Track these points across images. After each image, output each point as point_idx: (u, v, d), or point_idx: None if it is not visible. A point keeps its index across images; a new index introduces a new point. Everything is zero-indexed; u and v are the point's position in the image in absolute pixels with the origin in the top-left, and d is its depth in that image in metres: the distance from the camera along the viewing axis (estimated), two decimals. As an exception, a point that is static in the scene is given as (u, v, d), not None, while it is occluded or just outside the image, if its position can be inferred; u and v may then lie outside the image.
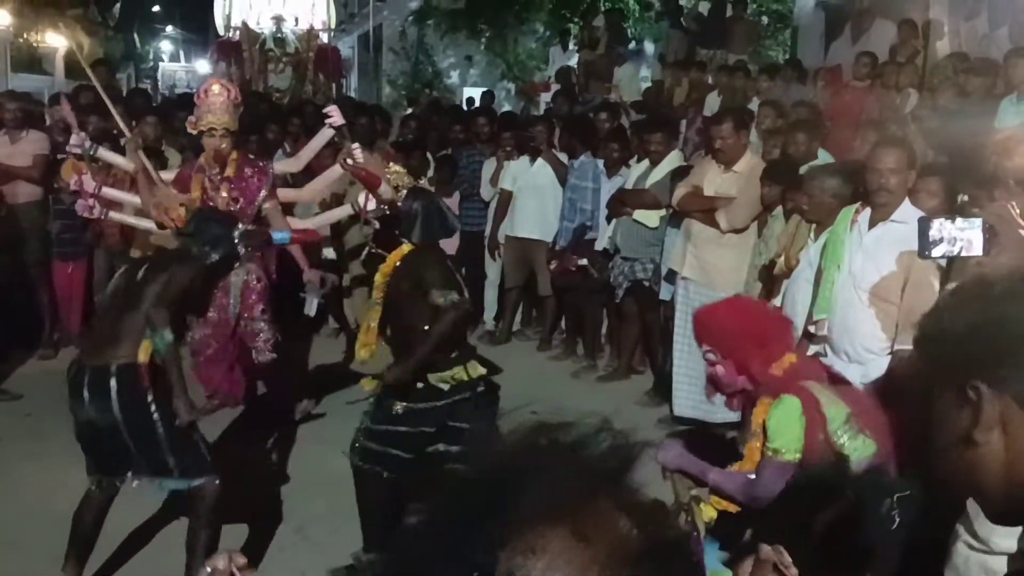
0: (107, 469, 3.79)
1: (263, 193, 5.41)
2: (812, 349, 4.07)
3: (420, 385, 3.98)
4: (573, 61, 13.61)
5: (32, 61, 17.77)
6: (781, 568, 1.32)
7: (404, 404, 3.96)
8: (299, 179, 6.26)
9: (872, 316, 3.88)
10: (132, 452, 3.66)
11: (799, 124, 5.85)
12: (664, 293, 6.14)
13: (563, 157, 7.36)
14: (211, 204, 5.24)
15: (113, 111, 5.86)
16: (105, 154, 5.93)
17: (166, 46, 28.01)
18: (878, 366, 3.84)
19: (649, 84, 11.51)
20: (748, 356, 2.85)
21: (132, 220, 6.01)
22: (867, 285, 3.88)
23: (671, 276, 5.95)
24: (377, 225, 4.28)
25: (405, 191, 4.25)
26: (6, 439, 5.54)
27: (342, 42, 19.70)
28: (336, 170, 5.92)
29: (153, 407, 3.62)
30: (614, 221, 6.63)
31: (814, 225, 4.45)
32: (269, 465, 5.27)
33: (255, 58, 12.57)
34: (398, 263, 4.05)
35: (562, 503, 0.73)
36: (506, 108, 15.46)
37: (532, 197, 7.41)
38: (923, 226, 2.49)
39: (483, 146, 8.19)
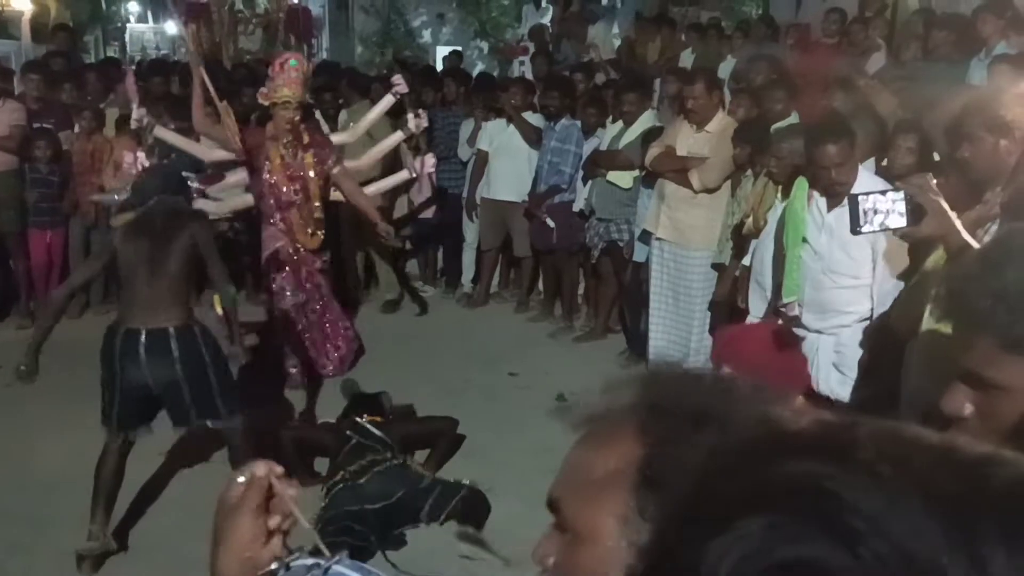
0: (135, 425, 4.01)
1: (332, 159, 5.68)
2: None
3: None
4: (546, 19, 13.53)
5: (-3, 25, 17.42)
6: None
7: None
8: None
9: (843, 294, 3.95)
10: (185, 403, 3.97)
11: (778, 82, 5.87)
12: (639, 254, 6.22)
13: (538, 118, 7.38)
14: (300, 173, 5.57)
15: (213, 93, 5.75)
16: (163, 132, 5.94)
17: (133, 7, 27.46)
18: (850, 336, 3.94)
19: (620, 42, 11.49)
20: None
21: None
22: (836, 267, 3.93)
23: (646, 237, 6.02)
24: None
25: None
26: (-13, 409, 5.56)
27: (312, 1, 19.44)
28: (395, 137, 6.09)
29: (208, 359, 3.98)
30: (590, 182, 6.70)
31: (781, 186, 4.53)
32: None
33: (224, 19, 12.42)
34: None
35: None
36: (479, 67, 15.39)
37: (508, 158, 7.43)
38: (853, 202, 2.53)
39: (456, 108, 8.20)
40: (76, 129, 7.26)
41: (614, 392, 0.95)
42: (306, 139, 5.59)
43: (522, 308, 7.79)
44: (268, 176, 5.58)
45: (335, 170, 5.68)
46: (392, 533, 4.14)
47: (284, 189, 5.58)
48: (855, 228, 2.53)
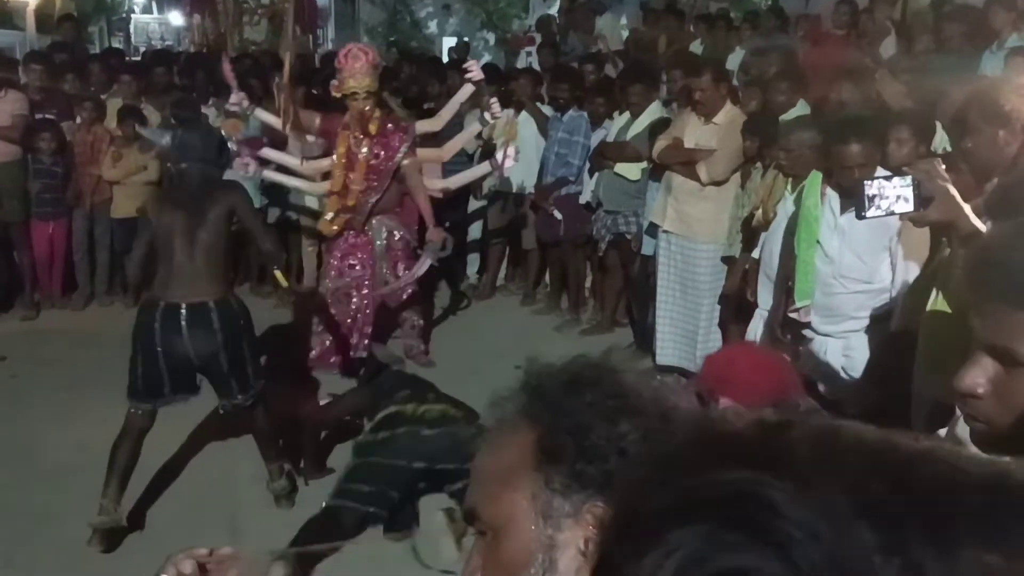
0: (177, 393, 4.14)
1: (403, 150, 5.64)
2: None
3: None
4: (554, 9, 13.47)
5: (3, 16, 17.43)
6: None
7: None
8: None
9: (854, 299, 3.90)
10: (224, 373, 4.08)
11: (782, 73, 5.83)
12: (647, 247, 6.17)
13: (547, 110, 7.34)
14: (355, 160, 5.59)
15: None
16: (262, 114, 5.98)
17: (138, -3, 27.49)
18: (859, 339, 3.90)
19: (627, 34, 11.44)
20: None
21: (284, 179, 6.13)
22: (848, 271, 3.88)
23: (653, 229, 5.98)
24: None
25: None
26: (-8, 400, 5.55)
27: (318, -9, 19.38)
28: (475, 128, 6.04)
29: (244, 331, 4.15)
30: (596, 174, 6.65)
31: (791, 178, 4.48)
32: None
33: (229, 10, 12.36)
34: None
35: None
36: (486, 58, 15.32)
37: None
38: (861, 188, 2.53)
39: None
40: (77, 120, 7.24)
41: (500, 405, 1.05)
42: (373, 130, 5.57)
43: (528, 301, 7.76)
44: (333, 163, 5.67)
45: (405, 161, 5.63)
46: (411, 503, 4.04)
47: (342, 176, 5.64)
48: (860, 213, 2.51)
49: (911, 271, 3.67)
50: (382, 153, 5.61)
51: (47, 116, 7.17)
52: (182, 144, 4.30)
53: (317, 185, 6.10)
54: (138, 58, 12.54)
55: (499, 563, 0.95)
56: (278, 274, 4.34)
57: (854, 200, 3.64)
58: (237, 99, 5.88)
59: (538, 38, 10.44)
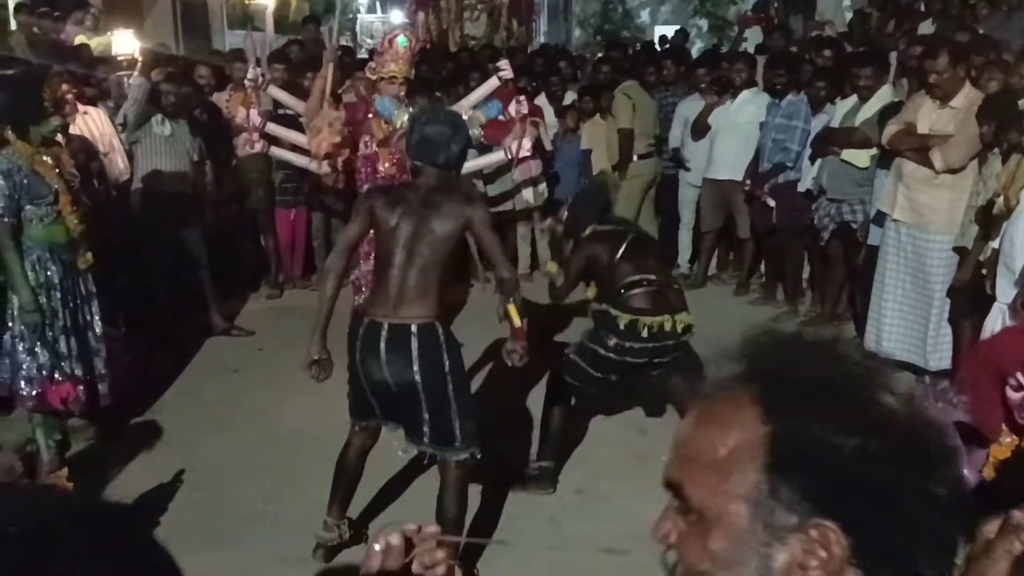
0: (372, 417, 3.74)
1: None
2: None
3: (623, 324, 4.45)
4: (771, -7, 13.08)
5: (245, 18, 18.81)
6: None
7: (616, 340, 4.43)
8: None
9: None
10: (421, 416, 3.55)
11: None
12: (873, 237, 5.91)
13: (763, 96, 7.18)
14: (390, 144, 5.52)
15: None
16: (275, 92, 6.31)
17: (363, -2, 28.91)
18: None
19: (851, 15, 10.95)
20: None
21: (292, 158, 6.37)
22: None
23: (880, 219, 5.73)
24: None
25: None
26: (243, 370, 6.09)
27: (532, -16, 19.71)
28: (498, 156, 6.36)
29: (448, 367, 3.52)
30: (819, 161, 6.43)
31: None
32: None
33: (451, 7, 12.85)
34: None
35: None
36: (698, 45, 15.11)
37: (732, 137, 7.26)
38: None
39: (674, 88, 8.12)
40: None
41: (719, 365, 0.94)
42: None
43: (742, 291, 7.62)
44: (366, 149, 5.57)
45: None
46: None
47: (380, 163, 5.55)
48: None
49: None
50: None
51: (288, 112, 7.70)
52: (422, 140, 3.64)
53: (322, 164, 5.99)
54: (365, 55, 13.22)
55: (703, 548, 0.89)
56: (512, 308, 3.66)
57: None
58: (253, 74, 6.11)
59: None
